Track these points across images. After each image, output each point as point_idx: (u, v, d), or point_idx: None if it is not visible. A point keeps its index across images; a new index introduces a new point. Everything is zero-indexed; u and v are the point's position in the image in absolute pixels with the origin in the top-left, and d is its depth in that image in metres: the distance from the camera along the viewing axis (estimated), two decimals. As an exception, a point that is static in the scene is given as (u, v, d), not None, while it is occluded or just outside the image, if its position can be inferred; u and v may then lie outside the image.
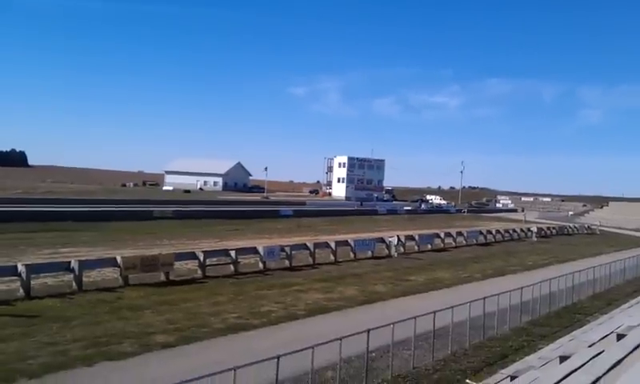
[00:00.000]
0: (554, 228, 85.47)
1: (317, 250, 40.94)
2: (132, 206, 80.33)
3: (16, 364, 16.53)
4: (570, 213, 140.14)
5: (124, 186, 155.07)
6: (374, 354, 17.53)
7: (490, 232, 67.91)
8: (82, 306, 23.90)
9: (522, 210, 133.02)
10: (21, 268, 25.50)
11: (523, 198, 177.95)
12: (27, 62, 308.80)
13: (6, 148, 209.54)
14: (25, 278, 25.20)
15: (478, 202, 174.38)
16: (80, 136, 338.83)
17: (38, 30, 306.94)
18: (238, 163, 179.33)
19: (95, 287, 27.59)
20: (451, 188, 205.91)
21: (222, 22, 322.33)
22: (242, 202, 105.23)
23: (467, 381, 17.30)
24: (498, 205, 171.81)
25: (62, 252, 38.81)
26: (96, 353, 17.95)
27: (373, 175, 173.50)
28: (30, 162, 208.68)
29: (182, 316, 23.26)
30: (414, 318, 18.48)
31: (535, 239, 73.48)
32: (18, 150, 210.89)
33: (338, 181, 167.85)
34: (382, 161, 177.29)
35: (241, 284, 31.18)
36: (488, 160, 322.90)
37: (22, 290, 25.05)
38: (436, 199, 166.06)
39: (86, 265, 28.36)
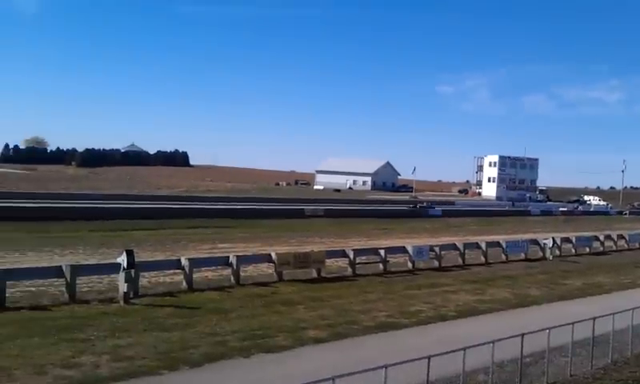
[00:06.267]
0: None
1: (466, 251, 40.24)
2: (285, 204, 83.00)
3: (179, 353, 17.53)
4: None
5: (277, 185, 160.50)
6: (528, 360, 17.00)
7: (656, 235, 63.23)
8: (239, 299, 25.02)
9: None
10: (184, 262, 27.08)
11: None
12: (190, 69, 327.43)
13: (170, 149, 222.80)
14: (188, 271, 26.70)
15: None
16: (236, 137, 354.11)
17: (193, 37, 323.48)
18: (387, 163, 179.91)
19: (251, 281, 28.79)
20: (611, 188, 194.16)
21: (373, 22, 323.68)
22: (391, 202, 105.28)
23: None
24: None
25: (220, 247, 40.96)
26: (253, 345, 18.70)
27: (525, 174, 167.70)
28: (192, 162, 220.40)
29: (333, 312, 23.73)
30: (572, 323, 17.69)
31: None
32: (181, 150, 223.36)
33: (489, 180, 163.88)
34: (536, 160, 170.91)
35: (390, 283, 31.32)
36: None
37: (184, 283, 26.56)
38: (594, 200, 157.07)
39: (243, 260, 29.58)
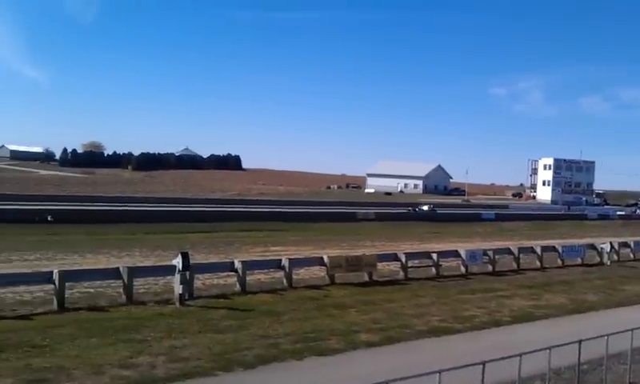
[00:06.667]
0: None
1: (521, 255, 39.53)
2: (336, 207, 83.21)
3: (232, 354, 17.70)
4: None
5: (328, 188, 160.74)
6: (585, 367, 16.65)
7: None
8: (291, 302, 25.13)
9: None
10: (237, 264, 27.36)
11: None
12: (242, 73, 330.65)
13: (223, 152, 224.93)
14: (241, 273, 26.95)
15: None
16: (288, 141, 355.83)
17: (244, 42, 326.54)
18: (439, 166, 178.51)
19: (303, 284, 28.90)
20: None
21: (423, 24, 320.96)
22: (442, 205, 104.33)
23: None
24: None
25: (272, 250, 41.30)
26: (305, 347, 18.76)
27: (581, 178, 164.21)
28: (244, 165, 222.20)
29: (385, 316, 23.65)
30: (631, 330, 17.24)
31: None
32: (233, 154, 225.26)
33: (543, 184, 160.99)
34: (592, 162, 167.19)
35: (442, 287, 31.06)
36: None
37: (238, 285, 26.81)
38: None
39: (295, 263, 29.72)
